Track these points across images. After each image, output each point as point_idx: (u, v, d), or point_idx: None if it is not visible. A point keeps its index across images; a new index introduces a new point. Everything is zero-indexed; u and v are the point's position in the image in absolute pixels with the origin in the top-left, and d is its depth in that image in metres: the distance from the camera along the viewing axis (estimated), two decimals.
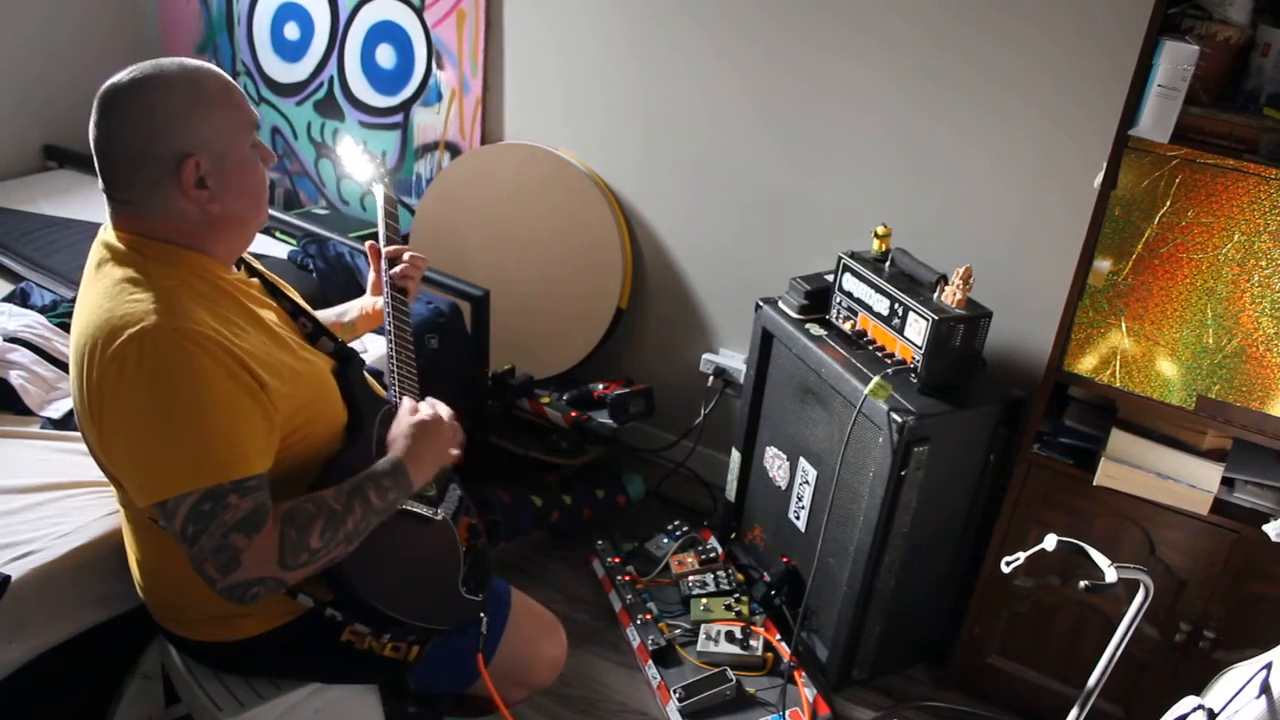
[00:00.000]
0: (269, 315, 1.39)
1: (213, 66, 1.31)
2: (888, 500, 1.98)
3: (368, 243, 1.74)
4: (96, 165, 1.28)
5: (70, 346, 1.28)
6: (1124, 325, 1.79)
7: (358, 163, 1.87)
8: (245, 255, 1.47)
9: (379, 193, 1.78)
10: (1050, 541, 1.49)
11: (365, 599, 1.38)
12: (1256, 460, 1.83)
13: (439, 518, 1.53)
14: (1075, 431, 1.96)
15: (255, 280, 1.45)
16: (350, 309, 1.76)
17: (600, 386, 2.73)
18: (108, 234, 1.31)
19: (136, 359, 1.18)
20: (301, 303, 1.53)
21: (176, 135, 1.24)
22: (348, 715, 1.59)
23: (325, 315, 1.72)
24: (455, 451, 1.52)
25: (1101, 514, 1.93)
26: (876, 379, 1.95)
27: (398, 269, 1.69)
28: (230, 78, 1.32)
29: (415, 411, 1.48)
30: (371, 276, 1.75)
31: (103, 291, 1.25)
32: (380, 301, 1.70)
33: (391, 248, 1.71)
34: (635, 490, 2.72)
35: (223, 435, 1.21)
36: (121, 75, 1.25)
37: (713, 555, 2.53)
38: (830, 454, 2.15)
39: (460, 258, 2.87)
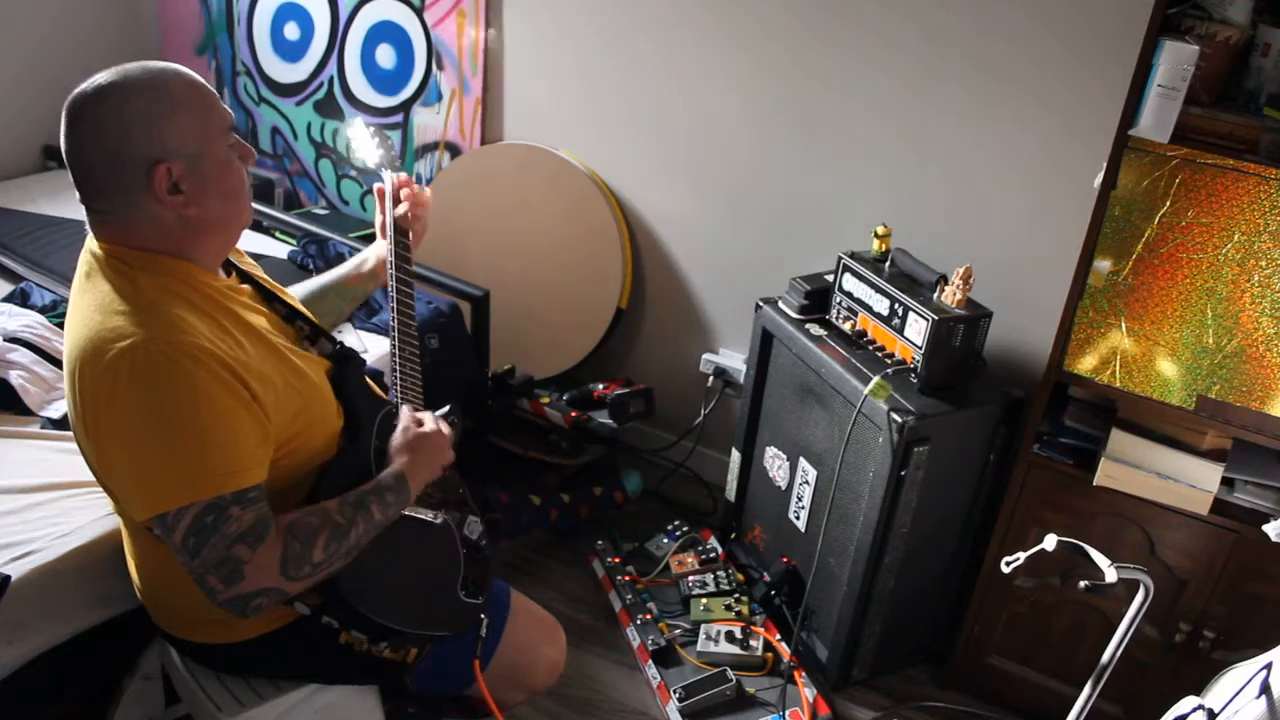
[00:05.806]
0: (260, 321, 1.36)
1: (179, 67, 1.26)
2: (888, 500, 1.98)
3: (375, 185, 1.67)
4: (71, 176, 1.23)
5: (64, 359, 1.26)
6: (1124, 325, 1.79)
7: (367, 146, 1.84)
8: (236, 260, 1.45)
9: (388, 179, 1.71)
10: (1050, 541, 1.48)
11: (362, 611, 1.38)
12: (1256, 460, 1.83)
13: (438, 521, 1.52)
14: (1075, 431, 1.96)
15: (246, 286, 1.42)
16: (367, 257, 1.69)
17: (600, 387, 2.73)
18: (93, 244, 1.27)
19: (129, 373, 1.16)
20: (298, 305, 1.51)
21: (144, 141, 1.20)
22: (347, 715, 1.59)
23: (344, 269, 1.69)
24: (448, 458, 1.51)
25: (1101, 514, 1.93)
26: (876, 379, 1.95)
27: (401, 208, 1.62)
28: (199, 78, 1.27)
29: (420, 423, 1.48)
30: (378, 219, 1.68)
31: (93, 304, 1.22)
32: None
33: (399, 176, 1.64)
34: (633, 486, 2.71)
35: (221, 447, 1.19)
36: (87, 83, 1.20)
37: (713, 555, 2.53)
38: (830, 454, 2.15)
39: (460, 258, 2.86)
